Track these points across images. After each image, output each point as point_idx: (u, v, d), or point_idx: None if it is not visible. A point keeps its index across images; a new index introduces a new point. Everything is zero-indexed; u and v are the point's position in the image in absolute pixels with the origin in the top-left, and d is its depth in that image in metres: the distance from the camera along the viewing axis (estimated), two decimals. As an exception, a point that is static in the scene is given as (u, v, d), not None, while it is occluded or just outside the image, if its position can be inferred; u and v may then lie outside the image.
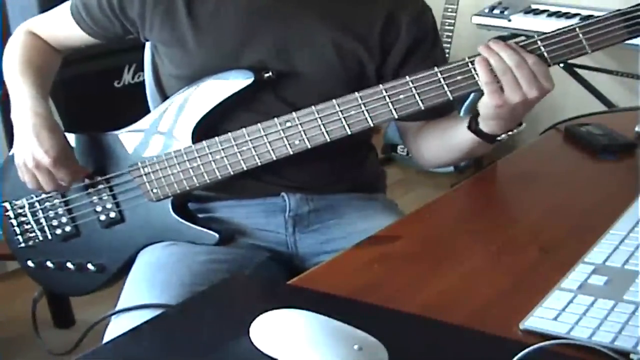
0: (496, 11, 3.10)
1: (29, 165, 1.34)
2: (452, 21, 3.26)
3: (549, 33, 1.15)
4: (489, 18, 3.11)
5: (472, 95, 3.10)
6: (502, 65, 1.15)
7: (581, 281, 1.00)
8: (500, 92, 1.15)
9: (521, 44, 1.16)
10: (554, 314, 0.93)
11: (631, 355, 0.84)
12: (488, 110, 1.20)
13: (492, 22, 3.09)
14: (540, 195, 1.37)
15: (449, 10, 3.25)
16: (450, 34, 3.25)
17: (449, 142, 1.34)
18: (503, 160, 1.55)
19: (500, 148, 1.34)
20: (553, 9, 3.09)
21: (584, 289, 0.98)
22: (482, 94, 1.18)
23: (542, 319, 0.92)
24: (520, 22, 3.02)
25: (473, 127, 1.26)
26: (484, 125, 1.24)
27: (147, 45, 1.54)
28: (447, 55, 3.05)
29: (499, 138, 1.25)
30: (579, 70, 3.04)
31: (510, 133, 1.25)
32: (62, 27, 1.48)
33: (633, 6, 1.13)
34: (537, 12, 3.08)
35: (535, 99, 1.15)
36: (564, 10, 3.07)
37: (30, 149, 1.33)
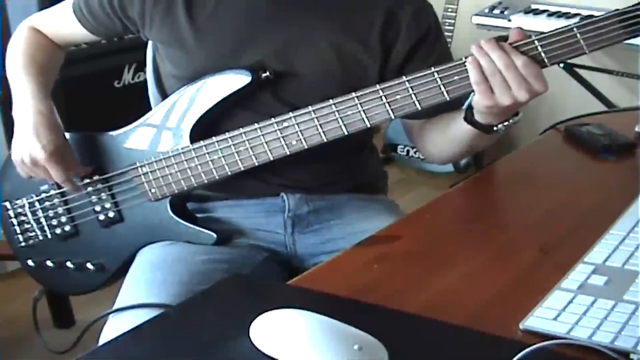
0: (496, 11, 3.10)
1: (25, 161, 1.35)
2: (452, 21, 3.25)
3: (546, 33, 1.14)
4: (489, 18, 3.10)
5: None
6: (491, 66, 1.13)
7: (581, 281, 1.00)
8: (491, 92, 1.15)
9: (516, 44, 1.14)
10: (554, 314, 0.93)
11: (631, 355, 0.84)
12: (480, 108, 1.20)
13: (492, 22, 3.09)
14: (540, 195, 1.37)
15: (449, 10, 3.25)
16: (451, 34, 3.24)
17: (450, 135, 1.33)
18: (503, 160, 1.55)
19: (501, 148, 1.34)
20: (553, 9, 3.09)
21: (584, 289, 0.98)
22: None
23: (542, 319, 0.92)
24: (520, 22, 3.02)
25: (469, 118, 1.25)
26: (479, 117, 1.23)
27: (150, 44, 1.54)
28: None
29: (495, 129, 1.24)
30: (579, 70, 3.04)
31: (506, 123, 1.23)
32: (64, 24, 1.48)
33: (631, 6, 1.12)
34: (537, 12, 3.08)
35: (525, 101, 1.14)
36: (564, 10, 3.07)
37: (28, 145, 1.33)
